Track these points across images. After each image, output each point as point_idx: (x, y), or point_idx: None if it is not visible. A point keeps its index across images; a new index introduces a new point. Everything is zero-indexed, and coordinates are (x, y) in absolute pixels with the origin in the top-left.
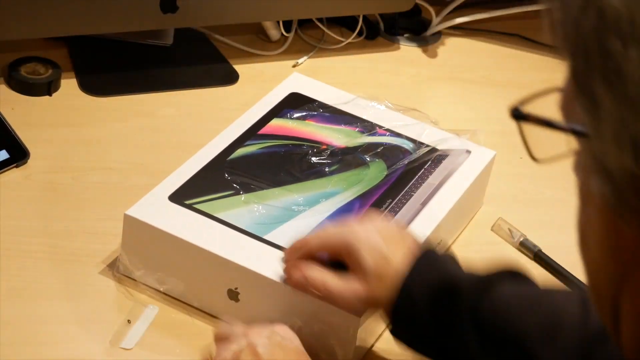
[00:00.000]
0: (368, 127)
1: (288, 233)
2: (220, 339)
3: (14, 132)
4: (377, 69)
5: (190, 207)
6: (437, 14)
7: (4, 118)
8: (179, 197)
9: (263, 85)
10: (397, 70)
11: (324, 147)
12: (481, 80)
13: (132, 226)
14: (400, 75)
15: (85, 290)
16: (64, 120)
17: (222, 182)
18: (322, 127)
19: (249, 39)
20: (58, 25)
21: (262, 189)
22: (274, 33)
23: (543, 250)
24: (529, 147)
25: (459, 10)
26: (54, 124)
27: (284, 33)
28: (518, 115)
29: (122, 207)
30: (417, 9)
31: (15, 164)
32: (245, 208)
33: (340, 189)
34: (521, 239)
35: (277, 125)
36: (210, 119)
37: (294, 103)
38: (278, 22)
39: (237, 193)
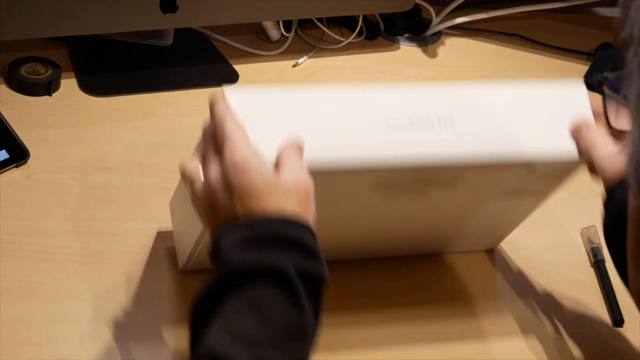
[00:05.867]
0: None
1: None
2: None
3: (14, 132)
4: (377, 69)
5: None
6: (437, 14)
7: (4, 118)
8: None
9: (263, 85)
10: (397, 70)
11: None
12: (481, 80)
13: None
14: (400, 75)
15: (86, 290)
16: (64, 120)
17: None
18: None
19: (249, 39)
20: (58, 25)
21: None
22: (274, 33)
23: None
24: (606, 111)
25: (459, 10)
26: (54, 124)
27: (284, 33)
28: (601, 78)
29: (122, 207)
30: (417, 9)
31: (15, 164)
32: None
33: None
34: (595, 245)
35: None
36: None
37: None
38: (278, 22)
39: None
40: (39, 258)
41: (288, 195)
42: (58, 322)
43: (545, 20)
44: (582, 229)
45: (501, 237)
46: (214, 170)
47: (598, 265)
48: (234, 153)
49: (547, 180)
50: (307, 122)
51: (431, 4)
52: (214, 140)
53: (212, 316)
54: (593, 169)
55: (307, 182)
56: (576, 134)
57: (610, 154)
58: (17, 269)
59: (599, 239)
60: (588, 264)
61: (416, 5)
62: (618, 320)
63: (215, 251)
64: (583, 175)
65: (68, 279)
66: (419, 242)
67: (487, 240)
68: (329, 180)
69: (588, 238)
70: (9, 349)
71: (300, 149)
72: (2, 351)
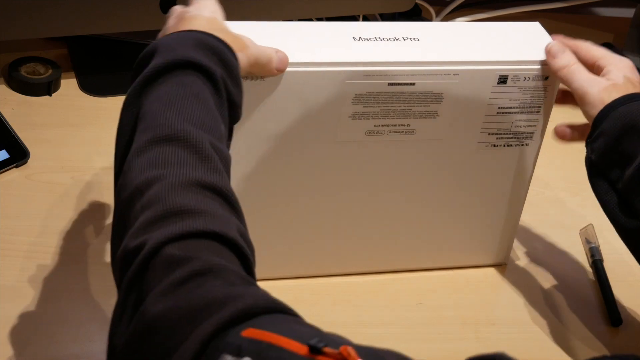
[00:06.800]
0: None
1: None
2: None
3: (14, 132)
4: None
5: None
6: (437, 14)
7: (4, 118)
8: None
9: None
10: None
11: None
12: None
13: None
14: None
15: (86, 290)
16: (64, 120)
17: None
18: None
19: None
20: (58, 25)
21: None
22: None
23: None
24: None
25: (459, 10)
26: (54, 124)
27: None
28: None
29: None
30: (417, 9)
31: (15, 164)
32: None
33: None
34: (593, 245)
35: None
36: None
37: None
38: None
39: None
40: (39, 258)
41: (245, 46)
42: (58, 322)
43: (545, 20)
44: (580, 230)
45: (505, 238)
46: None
47: (596, 265)
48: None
49: (522, 98)
50: (285, 42)
51: (431, 4)
52: None
53: (155, 95)
54: (561, 99)
55: (267, 57)
56: (554, 52)
57: (592, 81)
58: (17, 269)
59: (596, 238)
60: (587, 264)
61: (416, 5)
62: (616, 319)
63: (154, 46)
64: (582, 176)
65: (68, 278)
66: (426, 235)
67: (494, 240)
68: (310, 86)
69: (586, 238)
70: (9, 349)
71: (276, 57)
72: (2, 351)
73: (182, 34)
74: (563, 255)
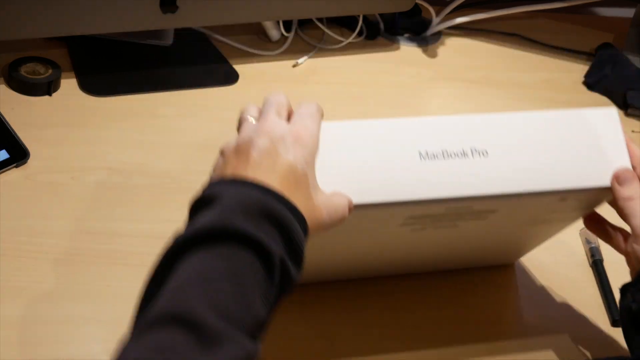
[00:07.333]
0: None
1: None
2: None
3: (14, 132)
4: (377, 69)
5: None
6: (437, 14)
7: (4, 118)
8: None
9: (263, 85)
10: (397, 70)
11: None
12: (481, 80)
13: None
14: (400, 75)
15: (85, 290)
16: (64, 120)
17: None
18: None
19: (249, 39)
20: (58, 25)
21: None
22: (274, 33)
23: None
24: None
25: (459, 10)
26: (54, 124)
27: (284, 33)
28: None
29: (122, 207)
30: (417, 9)
31: (15, 164)
32: None
33: None
34: (593, 245)
35: None
36: (210, 119)
37: None
38: (278, 22)
39: None
40: (39, 258)
41: (321, 216)
42: (58, 322)
43: (545, 20)
44: (580, 230)
45: (520, 255)
46: (278, 124)
47: (596, 265)
48: (309, 129)
49: (579, 208)
50: (336, 157)
51: (431, 4)
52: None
53: (192, 262)
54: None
55: (340, 218)
56: (622, 179)
57: None
58: (17, 269)
59: (596, 238)
60: (587, 264)
61: (416, 5)
62: (616, 320)
63: (215, 194)
64: None
65: (68, 279)
66: (437, 263)
67: (506, 258)
68: (362, 215)
69: (586, 239)
70: (8, 349)
71: (349, 206)
72: (2, 351)
73: (249, 192)
74: (563, 255)
